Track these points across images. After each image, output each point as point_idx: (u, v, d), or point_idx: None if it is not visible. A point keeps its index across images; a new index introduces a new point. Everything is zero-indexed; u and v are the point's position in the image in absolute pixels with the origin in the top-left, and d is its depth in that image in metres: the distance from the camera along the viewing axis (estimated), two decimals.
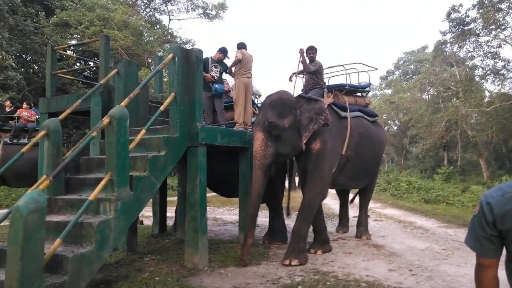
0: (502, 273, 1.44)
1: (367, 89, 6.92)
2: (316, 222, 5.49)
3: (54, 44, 10.04)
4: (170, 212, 7.96)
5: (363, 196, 7.00)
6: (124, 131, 3.48)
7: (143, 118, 5.18)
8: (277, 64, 77.56)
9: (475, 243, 1.41)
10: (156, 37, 19.52)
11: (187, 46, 19.16)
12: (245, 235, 4.87)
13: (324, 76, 6.30)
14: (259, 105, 6.50)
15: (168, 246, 5.90)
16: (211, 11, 22.79)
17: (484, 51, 19.61)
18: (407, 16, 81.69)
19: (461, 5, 19.22)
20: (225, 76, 6.60)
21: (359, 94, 6.72)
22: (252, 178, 5.02)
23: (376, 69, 7.12)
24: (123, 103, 3.78)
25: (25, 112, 8.22)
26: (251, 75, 6.15)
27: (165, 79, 11.91)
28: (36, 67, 15.95)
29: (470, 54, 20.83)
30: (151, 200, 6.34)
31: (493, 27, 17.75)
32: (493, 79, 20.44)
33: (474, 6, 18.23)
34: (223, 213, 10.30)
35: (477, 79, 21.15)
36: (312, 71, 5.88)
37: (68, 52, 15.01)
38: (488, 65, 19.99)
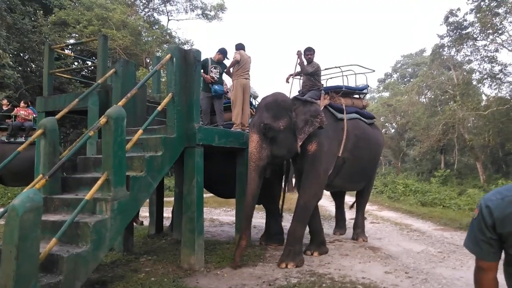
0: (501, 276, 1.44)
1: (365, 91, 6.92)
2: (313, 223, 5.50)
3: (52, 43, 10.02)
4: (167, 213, 7.95)
5: (360, 198, 7.01)
6: (121, 131, 3.49)
7: (140, 118, 5.17)
8: (275, 66, 77.43)
9: (474, 246, 1.41)
10: (154, 37, 19.51)
11: (186, 47, 19.16)
12: (239, 237, 4.87)
13: (321, 77, 6.32)
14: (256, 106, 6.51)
15: (165, 247, 5.89)
16: (210, 11, 22.83)
17: (482, 55, 19.69)
18: (406, 17, 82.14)
19: (459, 9, 19.33)
20: (224, 77, 6.60)
21: (357, 96, 6.73)
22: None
23: (374, 71, 7.12)
24: (120, 103, 3.79)
25: (22, 111, 8.20)
26: (249, 76, 6.16)
27: (163, 79, 11.89)
28: (33, 65, 15.88)
29: (467, 58, 20.93)
30: (148, 200, 6.34)
31: (491, 31, 17.82)
32: (490, 83, 20.51)
33: (471, 10, 18.30)
34: (220, 214, 10.28)
35: (474, 83, 21.23)
36: (309, 73, 5.87)
37: (66, 51, 14.94)
38: (485, 69, 20.07)
